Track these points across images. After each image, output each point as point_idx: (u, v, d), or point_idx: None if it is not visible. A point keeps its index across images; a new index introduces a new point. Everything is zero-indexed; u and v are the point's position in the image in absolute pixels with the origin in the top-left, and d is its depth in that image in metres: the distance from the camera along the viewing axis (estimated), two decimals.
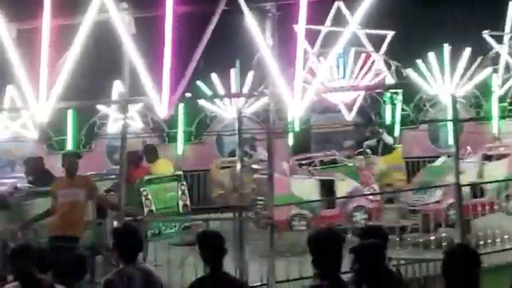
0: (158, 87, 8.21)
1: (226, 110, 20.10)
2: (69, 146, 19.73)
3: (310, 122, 20.41)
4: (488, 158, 14.43)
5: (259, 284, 9.62)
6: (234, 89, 18.75)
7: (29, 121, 18.51)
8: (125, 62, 8.44)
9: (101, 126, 21.20)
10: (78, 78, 9.01)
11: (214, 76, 19.26)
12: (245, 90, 16.97)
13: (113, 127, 20.14)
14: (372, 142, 17.15)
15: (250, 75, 17.16)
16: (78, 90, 9.50)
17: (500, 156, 14.26)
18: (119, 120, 19.32)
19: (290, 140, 20.50)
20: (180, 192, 14.03)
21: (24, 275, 6.52)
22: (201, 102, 19.22)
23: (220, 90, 19.30)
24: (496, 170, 13.80)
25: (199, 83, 18.25)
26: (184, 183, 14.41)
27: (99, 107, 19.10)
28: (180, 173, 14.86)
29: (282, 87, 7.69)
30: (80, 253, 8.64)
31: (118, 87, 17.78)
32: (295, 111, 7.87)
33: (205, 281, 6.04)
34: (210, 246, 6.06)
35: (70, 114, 19.44)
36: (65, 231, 10.31)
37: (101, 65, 15.76)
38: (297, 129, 19.72)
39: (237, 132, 10.33)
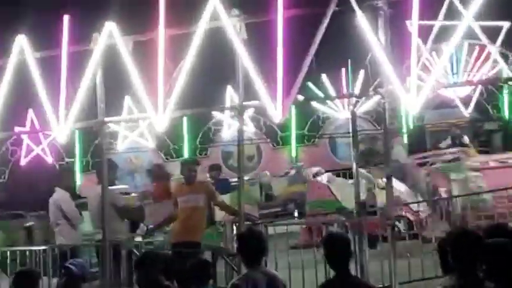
0: (271, 91, 8.24)
1: (338, 111, 20.07)
2: (186, 153, 20.18)
3: (424, 119, 20.03)
4: None
5: (381, 286, 9.50)
6: (344, 89, 18.69)
7: (146, 130, 19.01)
8: (238, 67, 8.51)
9: (216, 133, 21.52)
10: (192, 85, 9.14)
11: (324, 77, 19.27)
12: (356, 90, 16.88)
13: (227, 133, 20.48)
14: (446, 142, 16.76)
15: (362, 74, 17.06)
16: (192, 97, 9.64)
17: None
18: (232, 125, 19.69)
19: (404, 138, 20.24)
20: None
21: (151, 282, 6.64)
22: (313, 103, 19.23)
23: (331, 91, 19.28)
24: None
25: (309, 84, 18.28)
26: None
27: (213, 113, 19.40)
28: None
29: (397, 85, 7.58)
30: (203, 259, 8.76)
31: (231, 93, 18.11)
32: (411, 108, 7.74)
33: (334, 284, 5.97)
34: (337, 249, 5.99)
35: (185, 121, 19.89)
36: (186, 237, 10.48)
37: (214, 72, 15.98)
38: (411, 126, 19.45)
39: (351, 133, 10.20)
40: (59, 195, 10.97)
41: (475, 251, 5.28)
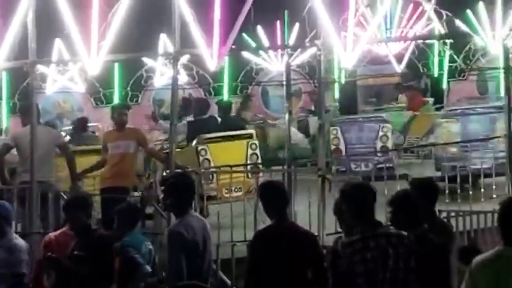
0: (207, 40, 8.20)
1: (271, 63, 20.04)
2: (116, 99, 19.92)
3: (356, 74, 20.20)
4: None
5: None
6: (279, 41, 18.66)
7: (76, 74, 18.66)
8: (174, 14, 8.42)
9: (147, 80, 21.29)
10: (126, 31, 9.02)
11: (259, 28, 19.17)
12: (291, 42, 16.88)
13: (159, 80, 20.26)
14: None
15: (297, 27, 17.06)
16: (125, 43, 9.52)
17: None
18: (165, 74, 19.50)
19: (336, 93, 20.44)
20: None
21: (79, 225, 6.63)
22: (247, 55, 19.14)
23: (266, 42, 19.22)
24: None
25: (244, 35, 18.16)
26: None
27: (146, 60, 19.15)
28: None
29: (334, 38, 7.63)
30: (131, 203, 8.72)
31: (164, 41, 17.89)
32: (347, 62, 7.82)
33: (271, 231, 6.02)
34: (276, 196, 6.04)
35: (116, 67, 19.58)
36: (116, 183, 10.44)
37: (147, 18, 15.77)
38: (342, 81, 19.62)
39: (284, 83, 10.24)
40: None
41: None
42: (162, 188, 6.38)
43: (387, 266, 5.17)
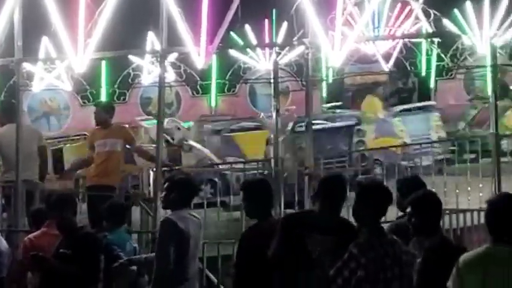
0: (195, 38, 8.18)
1: (259, 62, 20.06)
2: (103, 97, 19.89)
3: (344, 73, 20.24)
4: None
5: None
6: (267, 40, 18.69)
7: (63, 72, 18.61)
8: (162, 12, 8.39)
9: (135, 78, 21.25)
10: (113, 29, 9.00)
11: (248, 27, 19.18)
12: (279, 41, 16.90)
13: (146, 78, 20.24)
14: None
15: (285, 26, 17.07)
16: (112, 41, 9.49)
17: None
18: (152, 72, 19.49)
19: (323, 92, 20.48)
20: None
21: (64, 222, 6.58)
22: (234, 53, 19.14)
23: (254, 41, 19.24)
24: None
25: (232, 34, 18.18)
26: None
27: (133, 58, 19.13)
28: None
29: (322, 37, 7.62)
30: (118, 201, 8.68)
31: (152, 39, 17.87)
32: (335, 61, 7.82)
33: (260, 228, 5.96)
34: (263, 193, 5.98)
35: (104, 65, 19.55)
36: (101, 181, 10.38)
37: (135, 16, 15.72)
38: (330, 79, 19.63)
39: (272, 82, 10.22)
40: None
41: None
42: (166, 185, 6.31)
43: (403, 275, 5.03)
